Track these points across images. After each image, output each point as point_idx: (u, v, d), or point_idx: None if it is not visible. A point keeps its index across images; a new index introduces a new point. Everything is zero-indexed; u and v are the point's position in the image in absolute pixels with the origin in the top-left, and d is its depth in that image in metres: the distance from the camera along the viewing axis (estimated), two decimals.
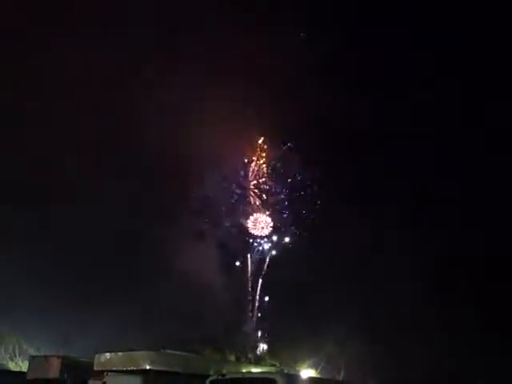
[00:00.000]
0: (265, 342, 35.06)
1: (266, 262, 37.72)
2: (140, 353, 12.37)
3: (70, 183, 31.99)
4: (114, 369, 12.38)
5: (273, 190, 38.59)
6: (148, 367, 11.84)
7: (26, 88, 32.08)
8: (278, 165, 38.51)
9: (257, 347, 34.18)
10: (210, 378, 10.89)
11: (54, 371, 14.22)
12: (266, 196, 38.57)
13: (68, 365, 14.25)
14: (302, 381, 11.10)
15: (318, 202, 37.52)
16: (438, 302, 29.88)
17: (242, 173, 38.58)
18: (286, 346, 31.37)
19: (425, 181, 34.22)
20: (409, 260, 30.75)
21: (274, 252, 38.02)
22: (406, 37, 36.32)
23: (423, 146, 34.90)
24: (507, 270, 30.29)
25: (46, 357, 15.89)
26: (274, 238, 38.29)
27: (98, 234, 32.92)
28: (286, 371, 19.49)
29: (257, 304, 36.86)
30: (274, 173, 38.68)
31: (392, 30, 36.64)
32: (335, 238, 33.93)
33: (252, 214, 37.98)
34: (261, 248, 38.01)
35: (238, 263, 37.64)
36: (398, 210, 33.55)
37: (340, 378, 27.68)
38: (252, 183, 38.57)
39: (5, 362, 28.77)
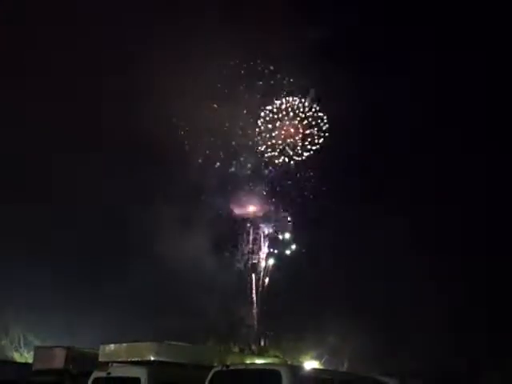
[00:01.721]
0: (267, 334, 35.01)
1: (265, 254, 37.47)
2: (144, 344, 12.43)
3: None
4: (118, 360, 12.44)
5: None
6: (152, 358, 11.90)
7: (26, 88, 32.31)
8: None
9: (260, 339, 34.20)
10: (215, 369, 10.89)
11: (59, 362, 14.33)
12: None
13: (73, 355, 14.35)
14: (306, 372, 11.11)
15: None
16: (443, 297, 29.95)
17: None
18: (290, 338, 31.46)
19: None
20: (413, 257, 30.81)
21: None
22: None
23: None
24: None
25: (50, 347, 16.03)
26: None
27: (96, 227, 33.18)
28: (289, 363, 19.47)
29: (259, 296, 36.79)
30: None
31: None
32: (338, 230, 34.05)
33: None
34: (261, 233, 37.59)
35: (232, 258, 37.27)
36: (399, 207, 33.60)
37: (344, 369, 27.74)
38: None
39: (10, 353, 29.03)
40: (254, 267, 36.84)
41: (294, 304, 32.71)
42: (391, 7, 36.16)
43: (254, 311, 36.02)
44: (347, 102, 33.13)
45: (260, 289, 36.59)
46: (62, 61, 33.63)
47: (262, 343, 33.46)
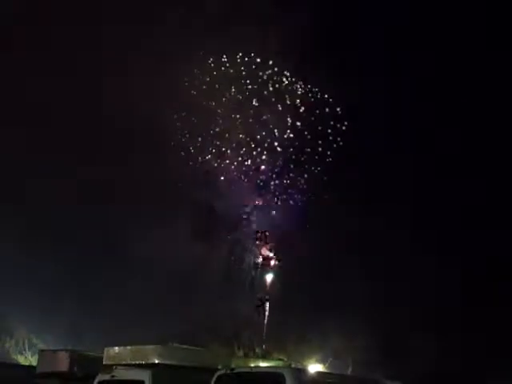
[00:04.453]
0: (271, 337, 34.79)
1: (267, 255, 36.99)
2: (149, 347, 12.46)
3: None
4: (123, 362, 12.50)
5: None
6: (157, 361, 11.92)
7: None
8: None
9: (264, 342, 34.01)
10: (219, 373, 10.93)
11: (63, 365, 14.33)
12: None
13: (77, 359, 14.37)
14: (310, 375, 11.17)
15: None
16: (443, 297, 30.01)
17: None
18: (294, 341, 31.42)
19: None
20: (416, 258, 30.85)
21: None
22: None
23: None
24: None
25: (55, 351, 16.10)
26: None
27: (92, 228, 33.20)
28: (293, 366, 19.54)
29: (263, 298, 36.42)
30: None
31: None
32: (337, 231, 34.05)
33: None
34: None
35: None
36: (398, 207, 33.59)
37: (348, 372, 27.72)
38: None
39: (15, 356, 29.15)
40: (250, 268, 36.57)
41: (297, 306, 32.69)
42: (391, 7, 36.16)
43: (259, 313, 35.75)
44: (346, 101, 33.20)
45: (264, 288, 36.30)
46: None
47: (264, 346, 33.28)
